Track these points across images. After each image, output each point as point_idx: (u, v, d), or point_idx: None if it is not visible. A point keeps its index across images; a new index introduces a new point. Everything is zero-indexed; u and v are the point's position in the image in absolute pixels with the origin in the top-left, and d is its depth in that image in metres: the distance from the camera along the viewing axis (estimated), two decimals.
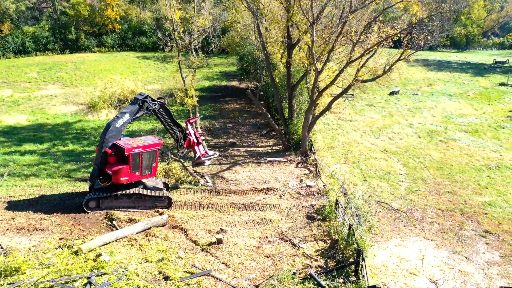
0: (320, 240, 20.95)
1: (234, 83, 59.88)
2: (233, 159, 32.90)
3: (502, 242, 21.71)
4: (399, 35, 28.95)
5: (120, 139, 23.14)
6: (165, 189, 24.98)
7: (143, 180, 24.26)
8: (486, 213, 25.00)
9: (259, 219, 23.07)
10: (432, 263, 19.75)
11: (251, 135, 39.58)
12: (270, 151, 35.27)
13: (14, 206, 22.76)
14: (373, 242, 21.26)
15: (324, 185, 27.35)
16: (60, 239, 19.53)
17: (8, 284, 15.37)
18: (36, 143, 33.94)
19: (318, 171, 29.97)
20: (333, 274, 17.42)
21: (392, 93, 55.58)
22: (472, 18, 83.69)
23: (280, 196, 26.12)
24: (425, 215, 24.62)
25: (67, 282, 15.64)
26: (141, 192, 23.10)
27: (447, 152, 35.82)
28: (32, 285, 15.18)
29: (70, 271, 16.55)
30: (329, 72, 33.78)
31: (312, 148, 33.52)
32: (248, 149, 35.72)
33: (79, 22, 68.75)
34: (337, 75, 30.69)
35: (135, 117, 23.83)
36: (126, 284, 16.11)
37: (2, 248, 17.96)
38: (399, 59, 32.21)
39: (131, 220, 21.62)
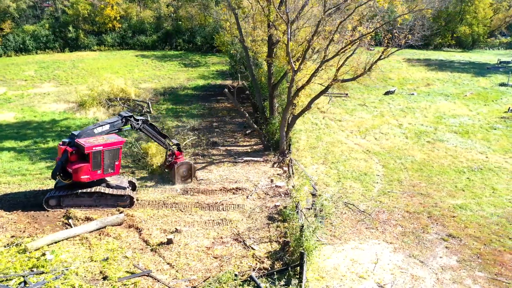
0: (275, 241, 20.71)
1: (228, 82, 59.72)
2: (210, 158, 32.78)
3: (462, 246, 21.15)
4: (373, 34, 28.43)
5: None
6: (130, 187, 25.05)
7: (107, 179, 24.33)
8: (454, 216, 24.42)
9: (219, 219, 22.91)
10: (385, 266, 19.33)
11: (235, 134, 39.39)
12: (249, 150, 35.05)
13: None
14: (330, 244, 20.95)
15: (293, 186, 27.04)
16: (12, 236, 19.70)
17: None
18: (17, 141, 34.33)
19: (292, 171, 29.68)
20: (276, 276, 17.17)
21: (387, 93, 54.72)
22: (478, 18, 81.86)
23: (247, 197, 25.93)
24: (390, 218, 24.14)
25: (1, 281, 15.73)
26: (102, 191, 23.18)
27: (432, 154, 35.12)
28: None
29: (10, 269, 16.63)
30: (309, 71, 33.36)
31: (290, 148, 33.22)
32: (229, 148, 35.55)
33: (79, 21, 69.41)
34: (312, 75, 30.30)
35: (116, 130, 24.38)
36: (62, 283, 16.14)
37: None
38: (379, 58, 31.70)
39: (88, 219, 21.68)
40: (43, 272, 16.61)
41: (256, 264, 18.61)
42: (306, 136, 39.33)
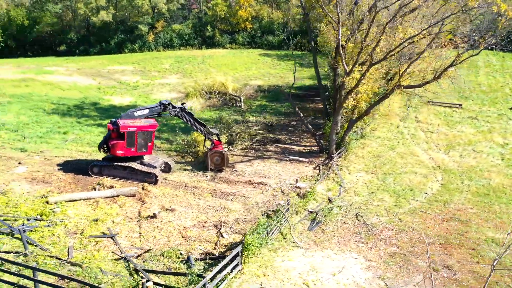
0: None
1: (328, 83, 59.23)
2: (261, 153, 34.02)
3: (451, 280, 18.33)
4: (421, 35, 25.76)
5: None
6: (163, 168, 28.30)
7: (145, 157, 27.98)
8: (473, 249, 21.00)
9: (219, 207, 24.37)
10: (342, 281, 18.21)
11: (305, 134, 39.58)
12: (304, 151, 35.11)
13: (52, 162, 29.14)
14: (304, 248, 20.55)
15: (310, 188, 26.60)
16: (50, 191, 24.72)
17: None
18: None
19: (325, 174, 29.06)
20: (213, 262, 18.04)
21: None
22: None
23: (262, 192, 26.63)
24: (393, 237, 22.05)
25: (11, 220, 20.43)
26: (133, 166, 26.86)
27: None
28: None
29: (23, 213, 21.31)
30: (368, 73, 31.70)
31: (341, 152, 32.32)
32: (287, 146, 36.18)
33: (216, 21, 76.98)
34: (360, 78, 28.93)
35: (155, 115, 27.98)
36: (48, 230, 20.03)
37: (2, 189, 23.99)
38: (451, 64, 28.65)
39: (112, 187, 25.56)
40: (42, 220, 20.83)
41: (214, 248, 19.66)
42: (378, 143, 37.17)
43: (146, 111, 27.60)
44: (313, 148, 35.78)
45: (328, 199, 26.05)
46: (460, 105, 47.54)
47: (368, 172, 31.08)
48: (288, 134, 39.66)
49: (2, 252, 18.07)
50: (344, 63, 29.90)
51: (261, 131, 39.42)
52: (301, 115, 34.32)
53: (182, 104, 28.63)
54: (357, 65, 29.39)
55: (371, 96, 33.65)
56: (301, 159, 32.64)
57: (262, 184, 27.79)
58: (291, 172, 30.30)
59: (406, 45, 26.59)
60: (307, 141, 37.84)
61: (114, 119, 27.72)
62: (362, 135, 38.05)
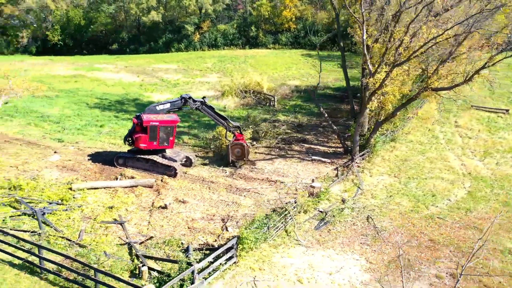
0: None
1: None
2: (285, 152, 34.15)
3: None
4: (445, 35, 24.81)
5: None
6: (184, 162, 29.28)
7: (168, 151, 29.12)
8: (486, 259, 20.02)
9: (231, 202, 24.91)
10: (338, 280, 18.12)
11: (333, 135, 39.16)
12: (329, 151, 34.83)
13: (84, 153, 31.06)
14: (306, 246, 20.60)
15: (325, 189, 26.43)
16: (75, 178, 26.41)
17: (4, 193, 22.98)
18: None
19: (344, 175, 28.76)
20: (209, 253, 18.57)
21: None
22: None
23: (276, 190, 26.84)
24: (401, 241, 21.48)
25: (35, 202, 22.15)
26: (154, 159, 28.04)
27: None
28: (4, 197, 22.35)
29: (47, 197, 23.00)
30: (393, 75, 30.97)
31: (365, 154, 31.81)
32: (313, 146, 36.04)
33: (260, 21, 77.76)
34: (383, 79, 28.30)
35: (176, 109, 29.05)
36: (66, 214, 21.51)
37: (35, 174, 25.97)
38: (483, 67, 27.47)
39: (132, 178, 26.86)
40: (62, 204, 22.38)
41: (215, 241, 20.22)
42: (408, 147, 36.07)
43: (168, 105, 28.66)
44: (338, 149, 35.38)
45: (342, 200, 25.79)
46: (507, 110, 44.96)
47: (391, 175, 30.33)
48: (317, 135, 39.46)
49: (20, 230, 19.69)
50: (369, 63, 29.45)
51: (289, 131, 39.54)
52: (326, 115, 34.07)
53: (203, 98, 29.34)
54: (382, 66, 28.83)
55: (399, 98, 32.74)
56: (323, 159, 32.45)
57: (279, 182, 27.98)
58: (310, 172, 30.24)
59: (430, 45, 25.69)
60: (334, 142, 37.43)
61: (138, 114, 29.05)
62: (393, 138, 37.10)
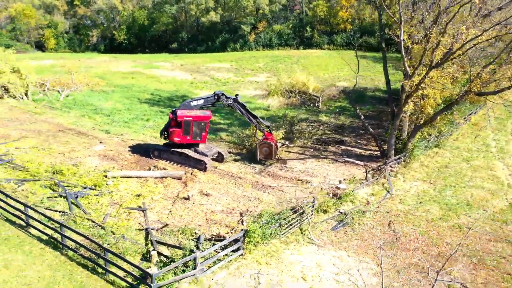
0: None
1: None
2: (319, 153, 34.00)
3: None
4: (485, 36, 23.46)
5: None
6: (215, 157, 30.21)
7: (201, 145, 30.23)
8: (509, 274, 18.81)
9: (253, 198, 25.39)
10: (343, 281, 17.97)
11: (371, 138, 38.31)
12: (365, 154, 34.17)
13: (126, 144, 33.05)
14: (318, 246, 20.60)
15: (352, 191, 26.05)
16: (113, 167, 28.23)
17: (47, 177, 25.16)
18: None
19: (374, 179, 28.17)
20: (215, 243, 19.16)
21: None
22: None
23: (301, 189, 26.89)
24: (420, 248, 20.75)
25: (71, 186, 24.09)
26: (186, 153, 29.23)
27: None
28: (46, 180, 24.43)
29: (81, 182, 24.90)
30: (433, 78, 29.76)
31: (401, 158, 30.90)
32: (349, 148, 35.54)
33: (316, 22, 77.37)
34: (420, 82, 27.34)
35: (209, 105, 29.91)
36: (96, 198, 23.18)
37: (78, 161, 28.15)
38: None
39: (164, 169, 28.20)
40: (94, 189, 24.11)
41: (227, 233, 20.81)
42: (453, 154, 34.44)
43: (201, 101, 29.67)
44: (375, 152, 34.59)
45: (366, 202, 25.32)
46: None
47: (426, 181, 29.19)
48: (356, 137, 38.81)
49: (53, 210, 21.56)
50: (406, 65, 28.61)
51: (328, 132, 39.24)
52: (362, 117, 33.43)
53: (235, 95, 30.03)
54: (421, 68, 27.87)
55: (440, 102, 31.38)
56: (356, 161, 31.92)
57: (305, 182, 28.01)
58: (340, 173, 29.91)
59: (469, 47, 24.45)
60: (373, 145, 36.56)
61: (174, 109, 30.37)
62: (437, 144, 35.60)
